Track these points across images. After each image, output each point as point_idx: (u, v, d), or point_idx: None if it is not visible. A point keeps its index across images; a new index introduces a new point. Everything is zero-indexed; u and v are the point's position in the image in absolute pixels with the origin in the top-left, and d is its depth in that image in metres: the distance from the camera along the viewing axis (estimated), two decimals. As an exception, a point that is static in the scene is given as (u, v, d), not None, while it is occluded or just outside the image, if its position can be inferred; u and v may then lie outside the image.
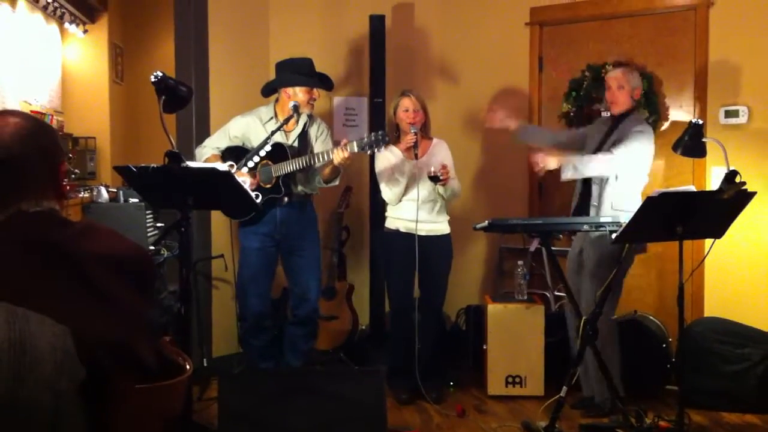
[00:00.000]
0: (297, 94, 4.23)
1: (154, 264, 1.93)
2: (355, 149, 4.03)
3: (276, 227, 4.31)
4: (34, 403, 1.25)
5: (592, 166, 4.05)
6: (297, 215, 4.33)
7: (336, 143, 4.25)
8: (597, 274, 4.00)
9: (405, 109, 4.41)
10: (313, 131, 4.39)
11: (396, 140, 4.48)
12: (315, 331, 4.56)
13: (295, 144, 4.31)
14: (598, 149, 4.19)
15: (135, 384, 1.49)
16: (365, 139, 4.02)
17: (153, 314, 3.91)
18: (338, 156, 4.00)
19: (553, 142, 4.55)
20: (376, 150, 4.07)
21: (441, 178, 4.20)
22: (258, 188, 4.18)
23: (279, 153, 4.17)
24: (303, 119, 4.33)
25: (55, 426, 1.26)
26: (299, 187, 4.31)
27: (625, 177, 4.06)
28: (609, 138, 4.17)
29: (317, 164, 4.19)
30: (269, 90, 4.41)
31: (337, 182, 4.41)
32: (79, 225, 1.59)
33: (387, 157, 4.44)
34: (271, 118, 4.32)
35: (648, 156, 4.11)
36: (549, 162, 4.06)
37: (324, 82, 4.38)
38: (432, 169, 4.21)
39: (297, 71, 4.26)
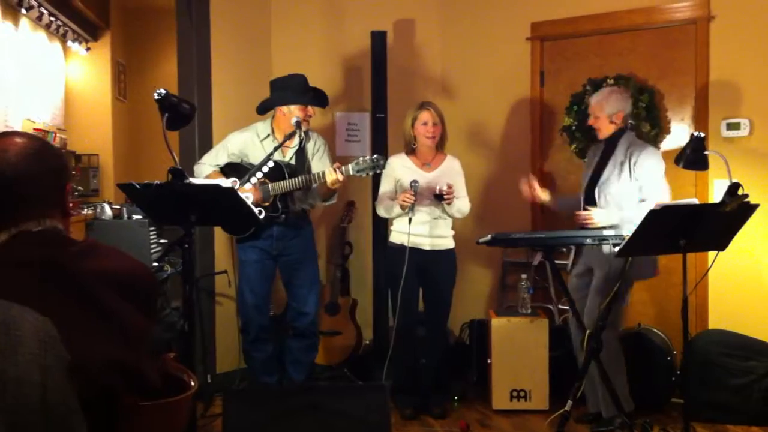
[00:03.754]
0: (292, 111, 4.25)
1: (156, 282, 1.93)
2: (351, 172, 4.05)
3: (273, 243, 4.33)
4: (23, 377, 1.25)
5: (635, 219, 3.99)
6: (294, 231, 4.36)
7: (335, 158, 4.27)
8: (604, 289, 3.99)
9: (423, 123, 4.41)
10: (310, 147, 4.40)
11: (411, 152, 4.50)
12: (315, 344, 4.57)
13: (292, 161, 4.32)
14: (596, 174, 4.20)
15: (139, 402, 1.49)
16: (361, 163, 4.03)
17: (156, 332, 3.91)
18: (330, 177, 4.01)
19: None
20: (371, 174, 4.10)
21: (445, 197, 4.22)
22: (255, 206, 4.18)
23: (276, 171, 4.19)
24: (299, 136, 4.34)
25: (45, 401, 1.27)
26: (297, 205, 4.33)
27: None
28: (608, 162, 4.17)
29: (315, 184, 4.20)
30: (264, 108, 4.44)
31: (334, 200, 4.44)
32: (82, 244, 1.60)
33: (396, 169, 4.44)
34: (268, 135, 4.35)
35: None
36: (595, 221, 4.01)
37: (319, 98, 4.39)
38: (438, 188, 4.23)
39: (291, 89, 4.28)
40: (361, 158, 4.08)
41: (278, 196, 4.20)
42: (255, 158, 4.22)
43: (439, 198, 4.27)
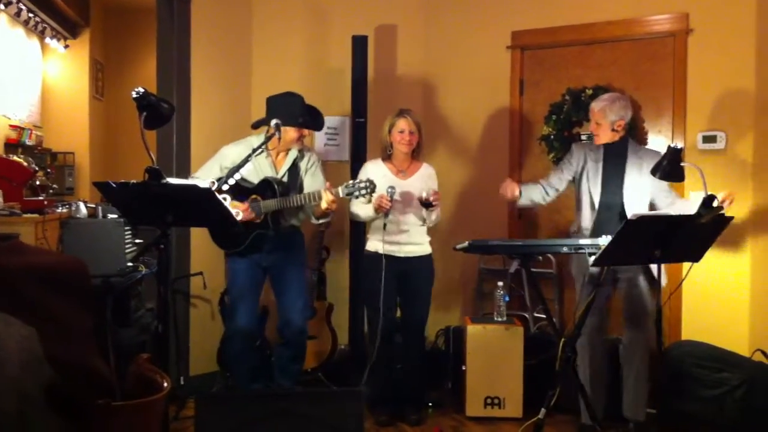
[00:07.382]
0: (287, 131, 4.20)
1: (90, 274, 1.83)
2: (341, 194, 4.02)
3: (263, 256, 4.28)
4: None
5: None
6: (284, 243, 4.31)
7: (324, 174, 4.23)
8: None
9: (400, 131, 4.38)
10: (303, 164, 4.35)
11: (387, 159, 4.48)
12: (302, 352, 4.50)
13: (285, 178, 4.28)
14: (616, 180, 4.17)
15: (102, 400, 1.47)
16: (351, 185, 4.00)
17: (130, 334, 3.87)
18: (326, 200, 3.98)
19: (553, 196, 4.44)
20: (360, 198, 4.06)
21: (433, 204, 4.21)
22: (247, 222, 4.13)
23: (268, 188, 4.15)
24: (293, 154, 4.31)
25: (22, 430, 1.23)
26: (288, 221, 4.29)
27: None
28: (624, 169, 4.15)
29: (306, 204, 4.17)
30: (259, 124, 4.38)
31: (328, 219, 4.38)
32: (7, 243, 1.56)
33: (371, 174, 4.42)
34: (262, 151, 4.26)
35: None
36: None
37: (314, 120, 4.33)
38: (424, 195, 4.21)
39: (287, 110, 4.20)
40: (351, 181, 4.06)
41: (269, 213, 4.17)
42: (248, 172, 4.15)
43: (427, 204, 4.24)
